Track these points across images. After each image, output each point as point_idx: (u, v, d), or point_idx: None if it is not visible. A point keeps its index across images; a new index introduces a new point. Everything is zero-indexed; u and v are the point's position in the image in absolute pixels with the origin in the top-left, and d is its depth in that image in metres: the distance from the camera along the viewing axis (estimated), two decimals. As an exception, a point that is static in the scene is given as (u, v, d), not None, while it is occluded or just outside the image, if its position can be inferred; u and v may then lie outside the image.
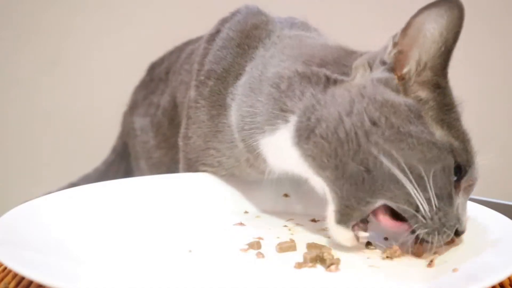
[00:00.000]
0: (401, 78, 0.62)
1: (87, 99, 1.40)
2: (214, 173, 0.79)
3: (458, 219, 0.60)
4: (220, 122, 0.76)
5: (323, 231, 0.70)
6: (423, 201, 0.58)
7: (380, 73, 0.63)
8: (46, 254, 0.57)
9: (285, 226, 0.71)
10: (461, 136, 0.61)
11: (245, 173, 0.77)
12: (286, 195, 0.78)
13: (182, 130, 0.82)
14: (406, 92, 0.62)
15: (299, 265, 0.59)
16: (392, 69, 0.62)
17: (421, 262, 0.61)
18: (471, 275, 0.55)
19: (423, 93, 0.62)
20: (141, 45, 1.29)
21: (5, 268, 0.57)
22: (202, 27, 0.93)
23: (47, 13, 1.38)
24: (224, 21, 0.83)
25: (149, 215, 0.72)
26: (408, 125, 0.58)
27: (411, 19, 0.61)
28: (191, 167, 0.81)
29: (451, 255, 0.62)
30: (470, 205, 0.70)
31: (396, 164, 0.57)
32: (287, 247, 0.63)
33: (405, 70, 0.62)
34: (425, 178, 0.57)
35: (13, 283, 0.55)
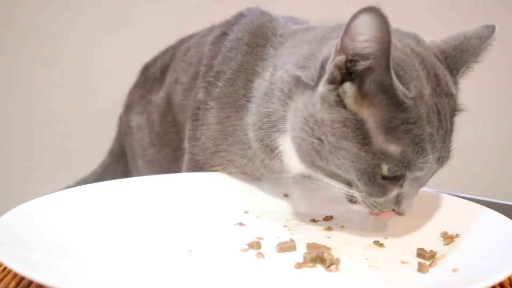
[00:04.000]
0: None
1: (87, 99, 1.40)
2: (223, 170, 0.79)
3: (396, 203, 0.65)
4: (231, 125, 0.77)
5: (323, 231, 0.70)
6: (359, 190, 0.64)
7: (322, 85, 0.63)
8: (46, 254, 0.57)
9: (285, 226, 0.71)
10: (403, 141, 0.61)
11: (258, 173, 0.78)
12: (286, 195, 0.78)
13: (189, 132, 0.81)
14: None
15: (299, 265, 0.59)
16: (334, 79, 0.62)
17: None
18: (471, 275, 0.55)
19: (372, 97, 0.61)
20: (141, 45, 1.29)
21: (5, 268, 0.57)
22: (202, 28, 0.93)
23: (47, 13, 1.38)
24: (229, 23, 0.83)
25: (149, 215, 0.72)
26: (341, 141, 0.62)
27: (347, 26, 0.60)
28: (200, 169, 0.80)
29: (451, 255, 0.62)
30: (471, 205, 0.70)
31: (338, 169, 0.64)
32: (287, 247, 0.64)
33: (353, 76, 0.62)
34: (356, 181, 0.63)
35: (13, 283, 0.55)
